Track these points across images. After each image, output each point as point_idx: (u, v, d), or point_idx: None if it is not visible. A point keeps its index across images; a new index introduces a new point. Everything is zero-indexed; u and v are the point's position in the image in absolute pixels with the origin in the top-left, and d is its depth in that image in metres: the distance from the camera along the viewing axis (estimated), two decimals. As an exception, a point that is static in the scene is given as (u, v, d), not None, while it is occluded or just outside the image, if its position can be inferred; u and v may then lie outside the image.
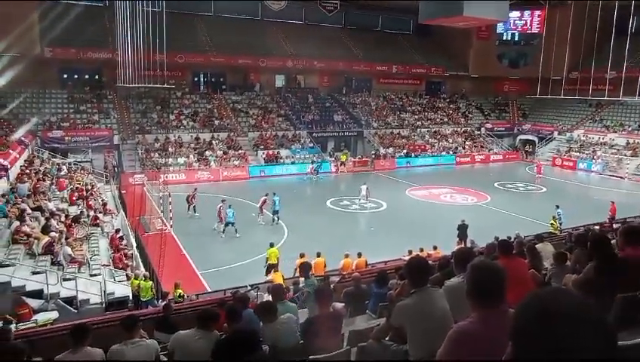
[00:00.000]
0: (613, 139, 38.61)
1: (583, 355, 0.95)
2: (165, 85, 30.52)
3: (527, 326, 1.04)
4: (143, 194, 24.21)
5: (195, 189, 23.25)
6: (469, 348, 2.17)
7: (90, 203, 19.31)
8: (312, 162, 33.59)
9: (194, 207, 22.27)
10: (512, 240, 12.49)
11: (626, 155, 36.37)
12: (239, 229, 19.56)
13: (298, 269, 13.54)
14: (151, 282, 12.25)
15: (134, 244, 16.31)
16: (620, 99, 35.89)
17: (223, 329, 5.03)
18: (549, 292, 1.10)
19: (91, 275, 12.63)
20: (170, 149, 32.64)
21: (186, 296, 11.84)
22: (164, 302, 8.99)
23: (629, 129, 39.07)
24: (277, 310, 4.94)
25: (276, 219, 21.38)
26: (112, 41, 30.36)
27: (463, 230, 17.68)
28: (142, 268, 13.95)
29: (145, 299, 11.78)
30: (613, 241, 5.61)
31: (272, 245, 15.46)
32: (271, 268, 14.63)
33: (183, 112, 36.40)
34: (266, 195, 21.78)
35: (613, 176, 34.68)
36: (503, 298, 2.29)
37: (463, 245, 15.93)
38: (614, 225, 15.37)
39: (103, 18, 33.99)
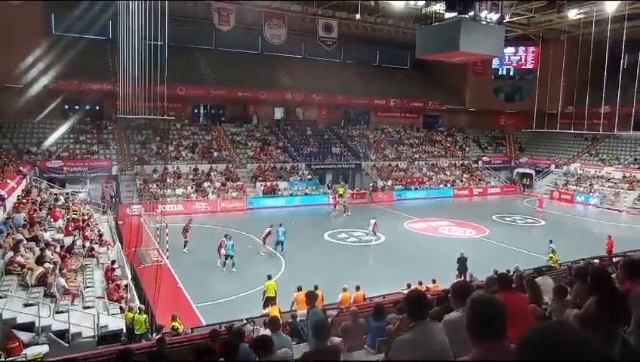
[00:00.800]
0: (610, 173, 38.85)
1: None
2: (165, 117, 30.86)
3: (530, 359, 1.01)
4: (139, 225, 24.07)
5: (191, 220, 22.96)
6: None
7: (86, 233, 19.17)
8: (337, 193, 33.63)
9: (186, 241, 21.62)
10: (512, 273, 12.39)
11: (622, 188, 36.51)
12: (237, 261, 19.35)
13: (297, 301, 13.37)
14: (145, 315, 12.02)
15: (129, 276, 16.09)
16: (615, 133, 36.31)
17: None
18: (551, 326, 1.07)
19: (85, 307, 12.40)
20: (168, 180, 32.67)
21: (182, 329, 11.59)
22: (158, 336, 8.79)
23: (625, 162, 39.38)
24: (273, 344, 4.83)
25: (279, 249, 21.25)
26: (114, 74, 30.84)
27: (462, 263, 17.56)
28: (137, 301, 13.73)
29: (139, 333, 11.53)
30: (613, 275, 5.56)
31: (269, 277, 15.31)
32: (269, 301, 14.41)
33: (182, 143, 36.63)
34: (271, 226, 21.69)
35: (610, 209, 34.71)
36: (503, 332, 2.25)
37: (462, 278, 15.79)
38: (614, 259, 15.28)
39: (107, 52, 34.64)
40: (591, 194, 37.23)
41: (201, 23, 38.11)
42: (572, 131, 37.90)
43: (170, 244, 20.93)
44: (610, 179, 38.29)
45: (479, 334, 2.26)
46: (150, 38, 27.84)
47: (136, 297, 14.33)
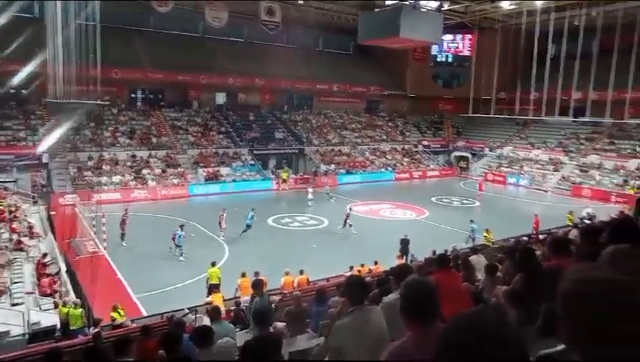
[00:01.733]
0: (538, 155, 41.28)
1: None
2: (99, 101, 29.40)
3: (445, 350, 1.07)
4: (74, 216, 22.97)
5: (127, 210, 21.42)
6: (406, 367, 2.19)
7: (13, 226, 18.02)
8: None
9: (123, 234, 20.32)
10: (450, 253, 12.95)
11: (548, 170, 38.96)
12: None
13: (240, 288, 13.30)
14: (81, 309, 11.53)
15: (64, 269, 15.33)
16: (543, 118, 38.56)
17: (159, 357, 4.80)
18: (465, 317, 1.13)
19: (13, 304, 11.72)
20: (104, 167, 31.25)
21: (123, 320, 11.23)
22: (95, 331, 8.47)
23: (551, 146, 41.95)
24: (213, 335, 4.79)
25: (243, 233, 21.50)
26: (41, 55, 28.82)
27: (404, 244, 18.10)
28: (72, 295, 13.13)
29: (75, 328, 11.06)
30: (538, 252, 5.95)
31: (213, 264, 15.09)
32: (212, 288, 14.24)
33: (118, 129, 35.06)
34: (224, 210, 21.92)
35: (538, 189, 36.96)
36: (436, 315, 2.34)
37: (403, 260, 16.34)
38: (540, 237, 16.32)
39: (32, 30, 32.24)
40: (521, 175, 39.44)
41: (137, 3, 36.30)
42: (505, 116, 39.86)
43: (108, 234, 20.10)
44: (538, 161, 40.73)
45: (412, 317, 2.35)
46: (82, 18, 26.33)
47: (72, 291, 13.70)
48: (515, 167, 41.05)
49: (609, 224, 3.61)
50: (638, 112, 32.12)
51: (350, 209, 23.88)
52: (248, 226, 21.67)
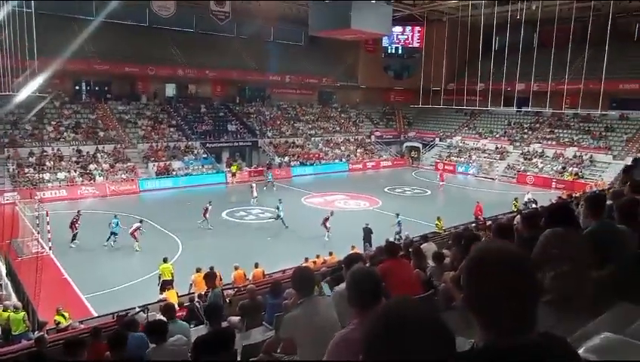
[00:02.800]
0: (485, 145, 42.83)
1: (422, 357, 1.05)
2: (39, 93, 27.98)
3: (370, 339, 1.11)
4: (14, 215, 21.83)
5: (79, 212, 20.60)
6: (350, 355, 2.24)
7: (-53, 227, 16.92)
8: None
9: (74, 234, 19.52)
10: (402, 241, 13.27)
11: (495, 159, 40.54)
12: (130, 246, 18.41)
13: (195, 283, 13.11)
14: (23, 313, 10.99)
15: (4, 271, 14.57)
16: (489, 108, 40.02)
17: (106, 358, 4.69)
18: (389, 305, 1.18)
19: (-51, 310, 11.04)
20: (47, 164, 29.80)
21: (69, 323, 10.82)
22: (38, 335, 8.13)
23: (497, 135, 43.61)
24: (167, 329, 4.73)
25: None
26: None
27: (367, 233, 18.40)
28: (13, 298, 12.50)
29: (17, 333, 10.55)
30: (484, 239, 6.21)
31: (165, 260, 14.80)
32: (165, 285, 13.96)
33: (62, 123, 33.47)
34: (209, 203, 22.52)
35: (486, 177, 38.39)
36: (380, 302, 2.41)
37: (356, 250, 16.57)
38: (487, 223, 16.99)
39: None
40: (470, 164, 40.82)
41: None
42: (453, 107, 41.03)
43: (54, 234, 19.22)
44: (485, 150, 42.25)
45: (358, 305, 2.42)
46: (16, 4, 24.91)
47: (13, 294, 13.05)
48: (464, 156, 42.43)
49: (547, 209, 3.82)
50: (574, 103, 33.88)
51: (332, 213, 21.53)
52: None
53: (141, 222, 19.79)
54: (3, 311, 10.89)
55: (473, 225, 17.12)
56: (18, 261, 16.67)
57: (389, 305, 1.18)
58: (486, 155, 41.56)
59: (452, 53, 40.22)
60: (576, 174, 34.36)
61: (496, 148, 41.73)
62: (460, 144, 44.46)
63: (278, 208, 22.47)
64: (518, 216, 10.54)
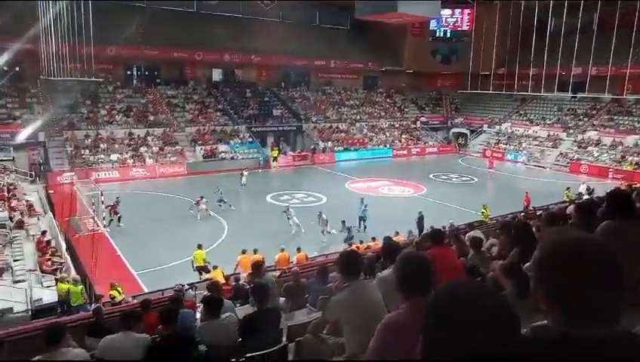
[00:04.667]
0: (536, 132, 41.19)
1: (484, 340, 1.03)
2: (94, 78, 29.12)
3: (431, 320, 1.10)
4: (72, 194, 22.98)
5: (118, 198, 21.00)
6: (398, 338, 2.23)
7: (12, 204, 18.06)
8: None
9: (119, 217, 20.11)
10: (447, 229, 13.04)
11: (547, 146, 38.96)
12: (178, 226, 19.05)
13: (240, 264, 13.45)
14: (81, 286, 11.65)
15: (64, 247, 15.45)
16: (541, 94, 38.38)
17: (157, 332, 4.90)
18: (451, 286, 1.16)
19: (15, 282, 11.84)
20: (102, 146, 31.15)
21: (122, 297, 11.37)
22: (95, 306, 8.59)
23: (550, 122, 41.83)
24: (222, 306, 4.90)
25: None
26: (33, 30, 28.37)
27: (420, 220, 18.25)
28: (73, 272, 13.26)
29: (76, 304, 11.20)
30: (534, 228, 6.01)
31: (199, 247, 14.86)
32: (200, 270, 14.21)
33: (115, 107, 34.81)
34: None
35: (537, 166, 37.01)
36: (429, 287, 2.39)
37: (412, 235, 16.39)
38: (538, 213, 16.43)
39: (23, 6, 31.64)
40: (519, 152, 39.44)
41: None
42: (503, 92, 39.64)
43: (107, 213, 20.18)
44: (536, 137, 40.65)
45: (406, 290, 2.40)
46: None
47: (72, 268, 13.83)
48: (514, 144, 41.01)
49: (605, 199, 3.64)
50: (637, 88, 31.92)
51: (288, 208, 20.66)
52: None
53: (201, 198, 20.85)
54: (61, 282, 11.57)
55: (522, 214, 16.62)
56: (76, 237, 17.63)
57: (455, 285, 1.16)
58: (537, 143, 39.98)
59: (503, 36, 38.73)
60: (637, 164, 32.50)
61: (549, 135, 40.04)
62: (510, 131, 42.97)
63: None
64: (571, 205, 10.13)
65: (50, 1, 25.33)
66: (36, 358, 4.03)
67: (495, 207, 20.30)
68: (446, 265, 5.21)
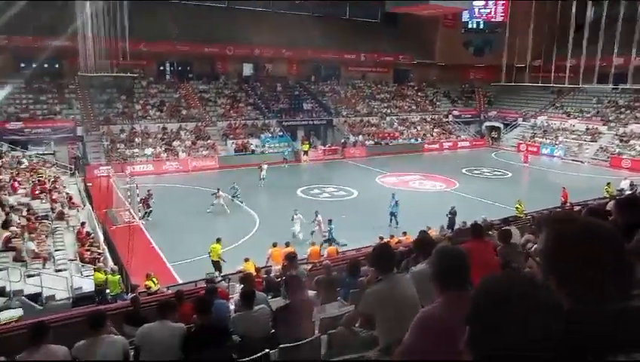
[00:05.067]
0: (574, 125, 39.86)
1: (534, 337, 1.00)
2: (129, 74, 29.82)
3: (479, 311, 1.08)
4: (109, 187, 23.67)
5: (149, 191, 21.35)
6: (435, 332, 2.21)
7: (53, 196, 18.74)
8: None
9: (149, 211, 20.41)
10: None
11: (585, 140, 37.67)
12: (211, 220, 19.37)
13: (272, 257, 13.60)
14: (119, 276, 12.02)
15: (102, 238, 15.95)
16: (580, 86, 37.10)
17: (192, 321, 5.01)
18: (502, 277, 1.14)
19: (57, 270, 12.31)
20: (136, 140, 31.94)
21: (157, 288, 11.66)
22: (132, 296, 8.85)
23: (588, 115, 40.41)
24: (255, 297, 4.98)
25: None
26: (71, 28, 29.28)
27: (453, 215, 18.08)
28: (110, 262, 13.68)
29: (113, 294, 11.57)
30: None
31: (218, 241, 14.70)
32: (215, 265, 14.15)
33: (148, 102, 35.60)
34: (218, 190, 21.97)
35: (574, 160, 35.87)
36: (466, 281, 2.35)
37: (444, 230, 16.22)
38: (575, 208, 15.93)
39: (61, 6, 32.67)
40: (556, 146, 38.29)
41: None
42: (539, 84, 38.52)
43: (141, 206, 20.70)
44: (574, 131, 39.36)
45: (443, 284, 2.37)
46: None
47: (110, 258, 14.27)
48: (550, 138, 39.83)
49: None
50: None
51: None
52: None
53: (218, 190, 21.08)
54: (97, 271, 11.95)
55: (559, 210, 16.16)
56: (113, 229, 18.17)
57: (498, 277, 1.14)
58: (575, 136, 38.72)
59: (540, 27, 37.54)
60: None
61: (587, 128, 38.70)
62: (545, 124, 41.75)
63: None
64: (612, 201, 9.78)
65: (88, 1, 26.02)
66: (80, 343, 4.19)
67: (530, 202, 19.79)
68: (482, 260, 5.12)
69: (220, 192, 21.26)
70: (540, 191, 24.81)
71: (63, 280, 11.65)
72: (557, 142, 38.70)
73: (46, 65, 34.36)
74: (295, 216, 18.06)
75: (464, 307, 1.96)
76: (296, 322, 4.41)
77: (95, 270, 12.24)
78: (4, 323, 9.23)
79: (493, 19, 47.49)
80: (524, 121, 43.82)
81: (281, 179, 27.50)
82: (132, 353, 4.54)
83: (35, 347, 4.04)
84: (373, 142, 38.86)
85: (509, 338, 1.01)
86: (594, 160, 35.19)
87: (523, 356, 1.00)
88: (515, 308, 1.02)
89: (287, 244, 14.06)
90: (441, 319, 2.22)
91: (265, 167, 26.77)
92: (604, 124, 38.28)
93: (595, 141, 37.15)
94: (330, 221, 17.54)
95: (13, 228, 13.10)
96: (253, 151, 33.95)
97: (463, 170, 31.39)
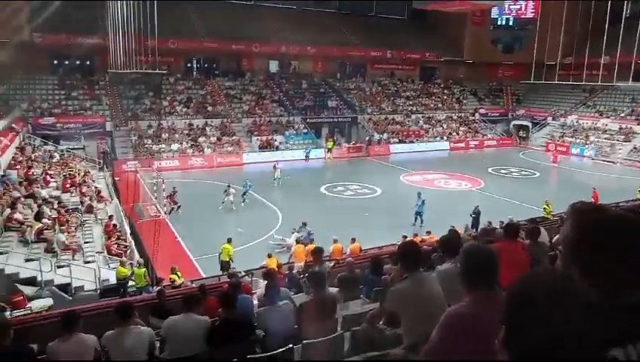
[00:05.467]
0: (606, 125, 38.71)
1: (572, 336, 0.96)
2: (157, 71, 30.32)
3: (518, 308, 1.04)
4: (136, 181, 24.10)
5: (175, 188, 21.64)
6: (462, 331, 2.18)
7: (83, 190, 19.21)
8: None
9: (177, 206, 20.80)
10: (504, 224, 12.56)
11: (618, 140, 36.54)
12: (234, 217, 19.56)
13: (294, 254, 13.64)
14: (144, 269, 12.24)
15: (128, 231, 16.27)
16: (614, 84, 36.00)
17: (217, 314, 5.05)
18: (542, 275, 1.10)
19: (85, 262, 12.61)
20: (163, 136, 32.45)
21: (181, 281, 11.83)
22: (158, 288, 9.01)
23: (622, 114, 39.17)
24: (279, 293, 5.01)
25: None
26: (102, 27, 29.96)
27: (477, 215, 17.81)
28: (136, 255, 13.95)
29: (139, 286, 11.78)
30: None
31: (229, 241, 14.59)
32: (224, 264, 13.96)
33: (175, 98, 36.12)
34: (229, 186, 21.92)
35: (605, 161, 34.85)
36: (494, 281, 2.30)
37: (469, 230, 15.98)
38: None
39: (93, 4, 33.44)
40: (586, 146, 37.27)
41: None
42: (570, 83, 37.54)
43: (168, 202, 21.04)
44: (606, 130, 38.23)
45: (472, 283, 2.32)
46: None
47: (136, 251, 14.54)
48: (580, 137, 38.79)
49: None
50: None
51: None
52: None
53: (229, 186, 21.24)
54: (121, 266, 12.20)
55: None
56: (139, 223, 18.52)
57: (538, 274, 1.11)
58: (607, 136, 37.60)
59: (572, 23, 36.55)
60: None
61: (620, 128, 37.52)
62: (576, 123, 40.67)
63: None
64: (646, 203, 9.45)
65: (118, 0, 26.57)
66: (109, 332, 4.30)
67: (558, 203, 19.22)
68: (513, 259, 5.02)
69: (231, 189, 21.31)
70: (569, 191, 24.19)
71: (91, 271, 11.94)
72: (588, 142, 37.67)
73: (78, 62, 35.29)
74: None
75: (492, 306, 1.92)
76: (320, 318, 4.40)
77: (120, 264, 12.50)
78: (36, 312, 9.51)
79: (523, 16, 46.49)
80: (553, 120, 42.79)
81: (304, 177, 27.56)
82: (157, 344, 4.61)
83: (67, 335, 4.16)
84: (397, 140, 38.56)
85: (548, 337, 0.97)
86: (627, 160, 34.11)
87: (562, 357, 0.96)
88: (555, 307, 0.98)
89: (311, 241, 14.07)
90: (468, 318, 2.19)
91: (278, 167, 26.35)
92: (638, 124, 37.04)
93: (629, 141, 36.00)
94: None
95: (45, 220, 13.47)
96: (277, 148, 34.09)
97: (490, 170, 30.87)
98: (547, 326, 0.97)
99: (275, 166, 26.58)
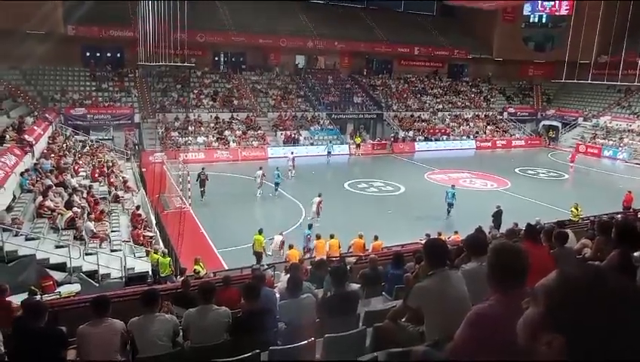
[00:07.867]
0: (642, 127, 37.50)
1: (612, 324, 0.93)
2: (186, 64, 30.67)
3: (573, 301, 1.00)
4: (162, 173, 24.51)
5: (203, 168, 22.26)
6: (488, 331, 2.14)
7: (111, 180, 19.62)
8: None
9: (202, 191, 21.49)
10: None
11: (654, 143, 35.36)
12: (259, 210, 19.69)
13: (316, 249, 13.65)
14: (169, 258, 12.45)
15: (154, 222, 16.56)
16: (650, 84, 34.76)
17: (240, 306, 5.10)
18: (595, 270, 1.06)
19: (112, 251, 12.89)
20: (189, 128, 32.88)
21: (204, 272, 11.98)
22: (183, 278, 9.15)
23: (659, 116, 37.88)
24: (302, 286, 5.02)
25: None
26: (133, 20, 30.49)
27: (498, 216, 17.49)
28: (161, 245, 14.19)
29: (164, 275, 12.00)
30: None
31: (260, 232, 14.77)
32: (257, 255, 14.20)
33: (203, 92, 36.53)
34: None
35: (639, 164, 33.74)
36: (524, 281, 2.25)
37: (494, 231, 15.75)
38: (639, 215, 15.00)
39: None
40: (619, 148, 36.18)
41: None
42: (604, 82, 36.45)
43: (193, 192, 21.34)
44: (641, 133, 37.05)
45: (500, 282, 2.27)
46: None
47: (161, 241, 14.79)
48: (613, 139, 37.66)
49: None
50: None
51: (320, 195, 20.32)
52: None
53: (260, 168, 21.96)
54: (154, 253, 12.47)
55: (619, 216, 15.27)
56: (165, 213, 18.83)
57: (591, 269, 1.07)
58: (642, 138, 36.42)
59: (608, 21, 35.41)
60: None
61: (656, 131, 36.27)
62: (609, 125, 39.51)
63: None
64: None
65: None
66: (135, 318, 4.40)
67: (587, 206, 18.80)
68: (538, 262, 4.91)
69: (260, 171, 22.12)
70: (599, 195, 23.57)
71: (118, 259, 12.19)
72: (621, 144, 36.56)
73: (109, 55, 36.02)
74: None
75: (519, 306, 1.87)
76: (342, 312, 4.40)
77: (153, 251, 12.76)
78: (64, 297, 9.78)
79: (557, 13, 45.32)
80: (584, 120, 41.68)
81: (328, 172, 27.52)
82: (181, 332, 4.69)
83: (97, 319, 4.30)
84: (423, 138, 38.16)
85: (621, 337, 0.93)
86: (662, 164, 32.98)
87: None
88: (624, 304, 0.94)
89: (332, 236, 14.07)
90: (494, 317, 2.14)
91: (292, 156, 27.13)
92: (676, 126, 35.78)
93: (665, 144, 34.81)
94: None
95: (75, 209, 13.81)
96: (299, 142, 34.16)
97: (516, 170, 30.29)
98: (622, 326, 0.93)
99: (292, 154, 27.34)
